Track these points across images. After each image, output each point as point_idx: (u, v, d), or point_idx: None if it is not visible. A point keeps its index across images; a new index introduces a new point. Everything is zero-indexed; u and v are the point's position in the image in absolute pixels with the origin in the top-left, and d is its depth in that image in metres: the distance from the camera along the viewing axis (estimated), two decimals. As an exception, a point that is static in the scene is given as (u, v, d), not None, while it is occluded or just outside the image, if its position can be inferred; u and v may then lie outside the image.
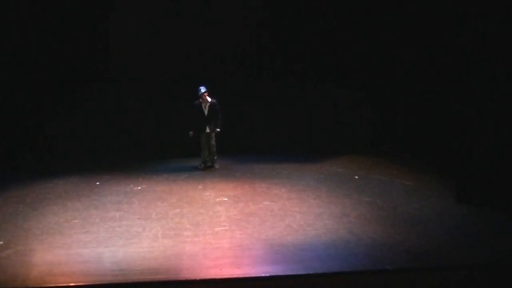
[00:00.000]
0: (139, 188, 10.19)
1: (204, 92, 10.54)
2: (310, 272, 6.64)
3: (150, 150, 12.58)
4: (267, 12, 12.32)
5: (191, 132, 10.61)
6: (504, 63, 8.48)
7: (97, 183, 10.49)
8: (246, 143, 12.72)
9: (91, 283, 6.46)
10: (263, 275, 6.61)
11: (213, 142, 10.78)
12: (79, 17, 11.91)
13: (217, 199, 9.50)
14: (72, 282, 6.46)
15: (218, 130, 10.76)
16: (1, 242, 7.59)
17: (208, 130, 10.64)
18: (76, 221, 8.43)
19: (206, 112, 10.51)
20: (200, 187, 10.23)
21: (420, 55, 11.85)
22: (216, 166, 11.06)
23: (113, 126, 12.37)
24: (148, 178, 10.82)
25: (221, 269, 6.76)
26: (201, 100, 10.50)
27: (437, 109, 11.15)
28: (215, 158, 11.06)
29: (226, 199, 9.49)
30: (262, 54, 12.41)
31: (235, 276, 6.62)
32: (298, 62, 12.45)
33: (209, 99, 10.53)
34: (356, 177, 10.75)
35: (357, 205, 9.05)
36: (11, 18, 11.53)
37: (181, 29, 12.23)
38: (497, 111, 8.72)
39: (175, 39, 12.26)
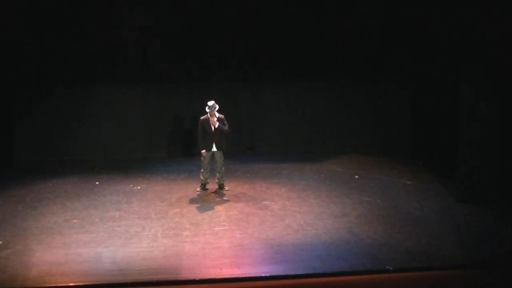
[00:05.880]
0: (138, 187, 10.16)
1: (215, 108, 9.42)
2: (310, 272, 6.65)
3: (149, 150, 12.54)
4: (267, 10, 12.24)
5: (203, 151, 9.78)
6: (505, 62, 8.48)
7: (97, 183, 10.47)
8: (246, 143, 12.70)
9: (90, 283, 6.46)
10: (263, 275, 6.61)
11: (221, 161, 9.78)
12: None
13: (217, 199, 9.49)
14: (71, 282, 6.46)
15: (225, 148, 9.81)
16: (0, 242, 7.58)
17: (214, 148, 9.64)
18: (76, 221, 8.42)
19: (213, 128, 9.55)
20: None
21: (419, 54, 11.82)
22: (226, 188, 9.96)
23: (113, 125, 12.33)
24: (148, 178, 10.78)
25: (221, 269, 6.75)
26: (208, 115, 9.88)
27: (437, 108, 11.12)
28: (224, 178, 9.96)
29: (226, 199, 9.48)
30: (261, 52, 12.36)
31: (235, 276, 6.62)
32: (297, 60, 12.39)
33: (217, 115, 9.50)
34: (357, 176, 10.73)
35: (358, 204, 9.04)
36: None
37: (180, 28, 12.19)
38: (497, 111, 8.72)
39: (175, 38, 12.20)
